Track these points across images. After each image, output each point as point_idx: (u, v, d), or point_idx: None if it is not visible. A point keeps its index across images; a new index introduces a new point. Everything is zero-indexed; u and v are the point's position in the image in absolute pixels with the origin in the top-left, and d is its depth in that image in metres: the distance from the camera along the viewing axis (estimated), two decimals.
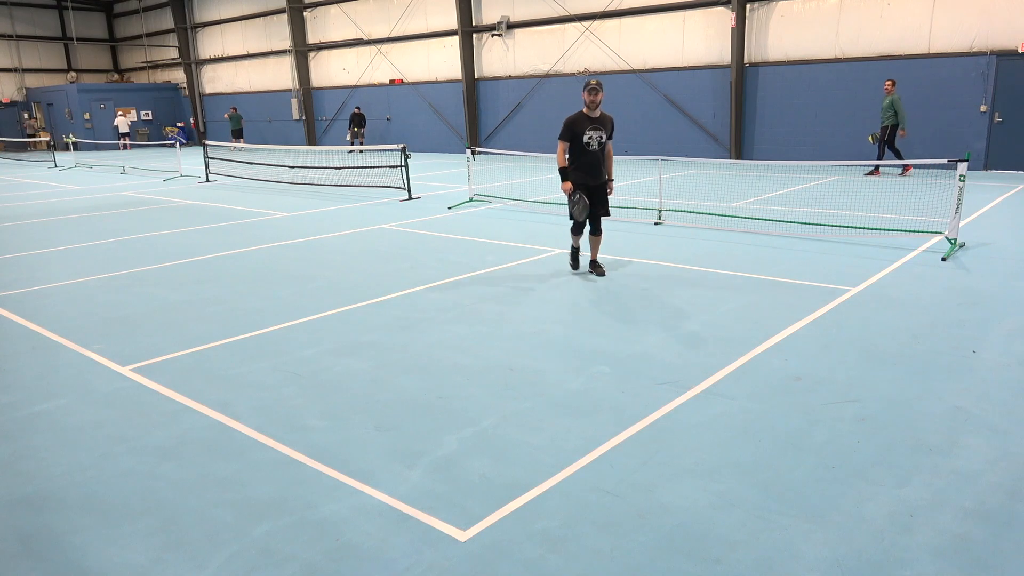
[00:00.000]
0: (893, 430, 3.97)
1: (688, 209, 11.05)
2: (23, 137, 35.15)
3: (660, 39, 19.95)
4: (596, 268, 7.57)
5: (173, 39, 35.25)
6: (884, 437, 3.90)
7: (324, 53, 28.98)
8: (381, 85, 27.15)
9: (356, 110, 25.93)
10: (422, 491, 3.49)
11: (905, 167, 15.01)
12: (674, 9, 19.43)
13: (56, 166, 24.67)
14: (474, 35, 23.97)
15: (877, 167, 15.43)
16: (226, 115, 29.75)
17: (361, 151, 24.50)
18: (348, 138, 25.86)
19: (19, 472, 3.82)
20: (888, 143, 14.93)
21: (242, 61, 32.58)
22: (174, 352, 5.55)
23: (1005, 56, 14.96)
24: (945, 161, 8.57)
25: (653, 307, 6.38)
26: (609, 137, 7.26)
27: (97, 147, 31.95)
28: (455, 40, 24.09)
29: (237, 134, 28.54)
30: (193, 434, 4.18)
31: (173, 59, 35.97)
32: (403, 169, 13.93)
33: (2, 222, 12.56)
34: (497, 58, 23.66)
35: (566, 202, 7.59)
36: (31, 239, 10.76)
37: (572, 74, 21.82)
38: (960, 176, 7.96)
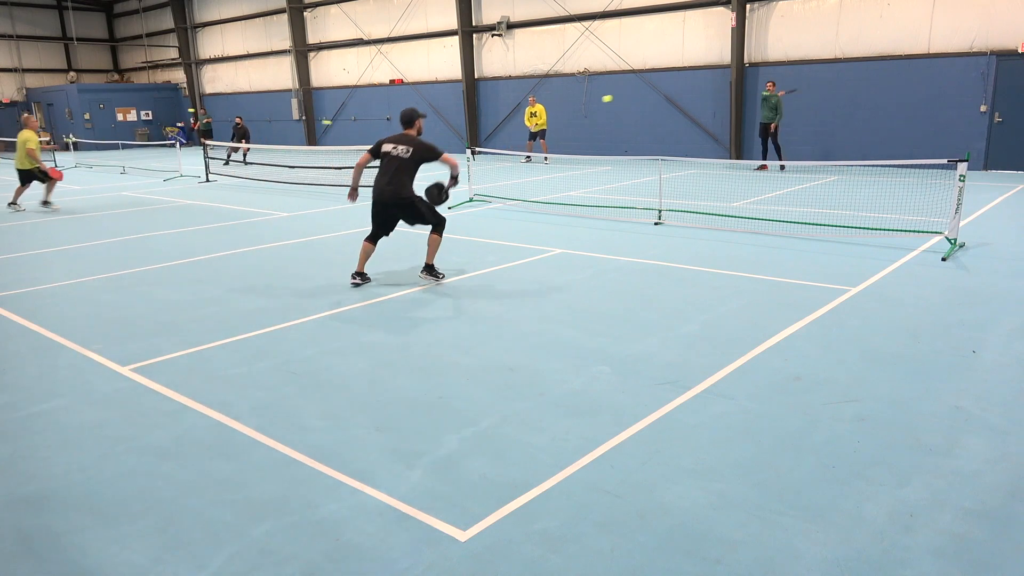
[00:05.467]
0: (893, 430, 3.98)
1: (688, 209, 11.05)
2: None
3: (660, 39, 19.95)
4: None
5: (173, 39, 35.25)
6: (884, 437, 3.90)
7: (324, 53, 28.98)
8: (381, 85, 27.16)
9: (238, 121, 23.02)
10: (422, 491, 3.49)
11: (763, 166, 16.62)
12: (674, 9, 19.44)
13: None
14: (474, 35, 23.97)
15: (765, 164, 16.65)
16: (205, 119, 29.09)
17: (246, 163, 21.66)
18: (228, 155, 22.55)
19: (19, 472, 3.82)
20: (773, 137, 16.27)
21: (242, 61, 32.58)
22: (174, 352, 5.55)
23: (1005, 56, 14.96)
24: (945, 161, 8.57)
25: (653, 307, 6.39)
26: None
27: (97, 147, 31.95)
28: (455, 40, 24.09)
29: (206, 135, 28.11)
30: (193, 434, 4.18)
31: (173, 59, 35.96)
32: None
33: (2, 222, 12.56)
34: (497, 58, 23.66)
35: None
36: (31, 239, 10.76)
37: (572, 74, 21.82)
38: (960, 176, 7.96)
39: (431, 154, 7.20)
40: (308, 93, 29.93)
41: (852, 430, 3.98)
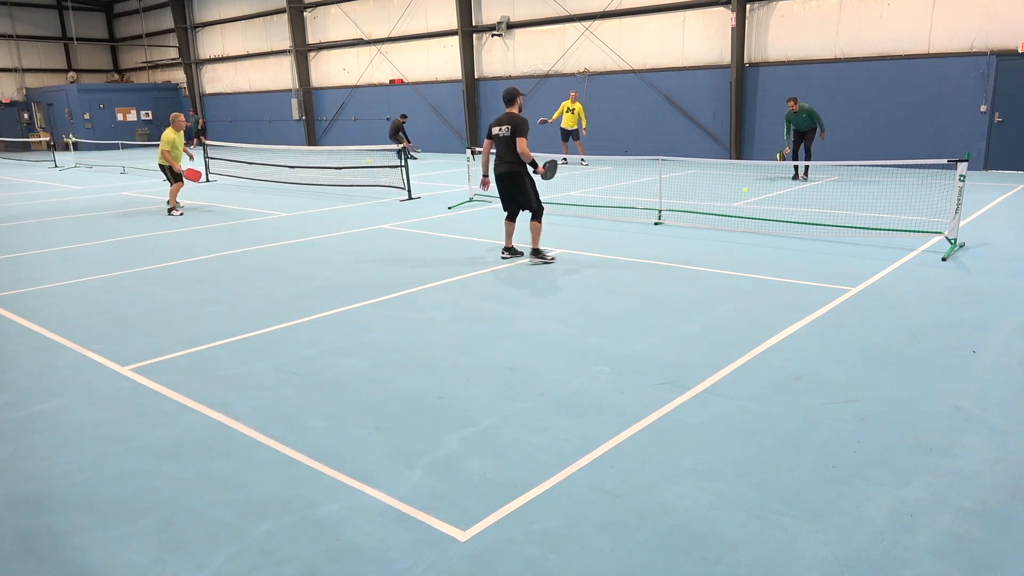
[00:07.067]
0: (893, 430, 3.97)
1: (688, 209, 11.05)
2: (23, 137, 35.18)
3: (660, 39, 19.94)
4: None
5: (173, 39, 35.25)
6: (884, 437, 3.90)
7: (324, 53, 28.98)
8: (381, 85, 27.15)
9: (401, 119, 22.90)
10: (422, 491, 3.49)
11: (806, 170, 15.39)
12: (674, 9, 19.43)
13: (56, 166, 24.67)
14: (474, 35, 23.97)
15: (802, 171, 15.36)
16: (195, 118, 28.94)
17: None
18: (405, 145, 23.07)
19: (19, 472, 3.82)
20: (808, 144, 14.82)
21: (242, 61, 32.57)
22: (174, 352, 5.55)
23: (1005, 56, 14.96)
24: (945, 161, 8.57)
25: (653, 307, 6.38)
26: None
27: (97, 147, 31.96)
28: (455, 40, 24.09)
29: (199, 135, 27.94)
30: (193, 434, 4.18)
31: (173, 59, 35.96)
32: (403, 169, 13.94)
33: (2, 222, 12.56)
34: (497, 58, 23.66)
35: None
36: (31, 239, 10.76)
37: (572, 74, 21.82)
38: (960, 176, 7.96)
39: (517, 131, 7.84)
40: (308, 93, 29.93)
41: (852, 430, 3.98)
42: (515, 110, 7.97)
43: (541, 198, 8.20)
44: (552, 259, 8.16)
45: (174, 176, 12.96)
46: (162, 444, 4.07)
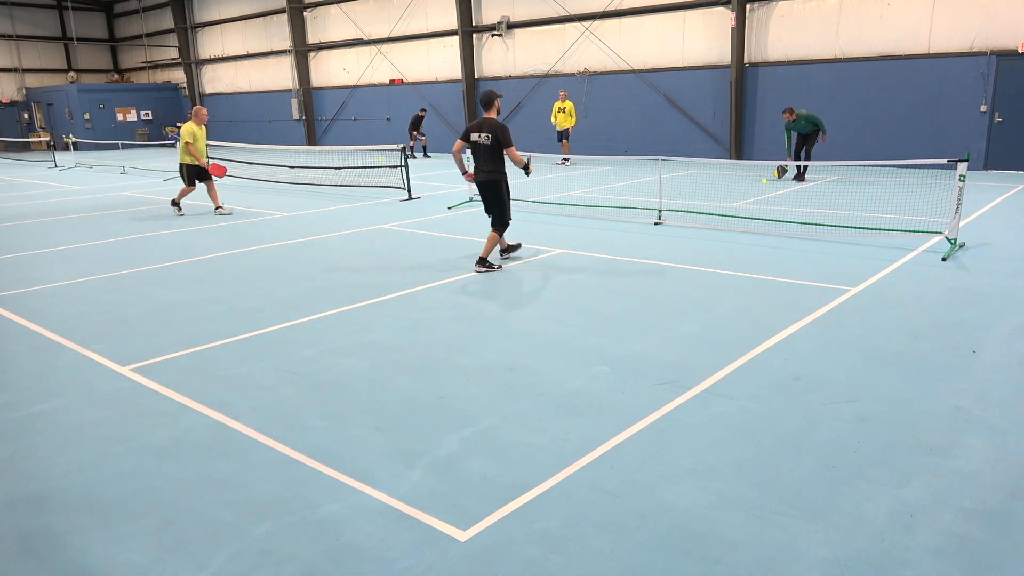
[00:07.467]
0: (893, 430, 3.97)
1: (688, 209, 11.05)
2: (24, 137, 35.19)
3: (660, 39, 19.95)
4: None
5: (173, 39, 35.25)
6: (884, 437, 3.90)
7: (324, 53, 28.98)
8: (381, 85, 27.16)
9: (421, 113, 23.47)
10: (422, 491, 3.49)
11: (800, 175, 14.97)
12: (674, 9, 19.43)
13: (56, 166, 24.67)
14: (474, 35, 23.97)
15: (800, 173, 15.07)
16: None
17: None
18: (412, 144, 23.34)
19: (19, 472, 3.82)
20: (809, 147, 14.65)
21: (242, 61, 32.58)
22: (174, 352, 5.55)
23: (1005, 56, 14.96)
24: (945, 161, 8.57)
25: (653, 307, 6.38)
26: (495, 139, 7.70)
27: (97, 147, 31.95)
28: (455, 40, 24.09)
29: None
30: (193, 434, 4.18)
31: (173, 59, 35.97)
32: (403, 169, 13.94)
33: (2, 222, 12.56)
34: (497, 58, 23.66)
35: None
36: (31, 239, 10.76)
37: (572, 74, 21.82)
38: (960, 176, 7.96)
39: (503, 139, 7.64)
40: (308, 93, 29.93)
41: (852, 430, 3.98)
42: (493, 114, 7.74)
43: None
44: (500, 266, 7.96)
45: (190, 178, 12.93)
46: (162, 444, 4.07)
